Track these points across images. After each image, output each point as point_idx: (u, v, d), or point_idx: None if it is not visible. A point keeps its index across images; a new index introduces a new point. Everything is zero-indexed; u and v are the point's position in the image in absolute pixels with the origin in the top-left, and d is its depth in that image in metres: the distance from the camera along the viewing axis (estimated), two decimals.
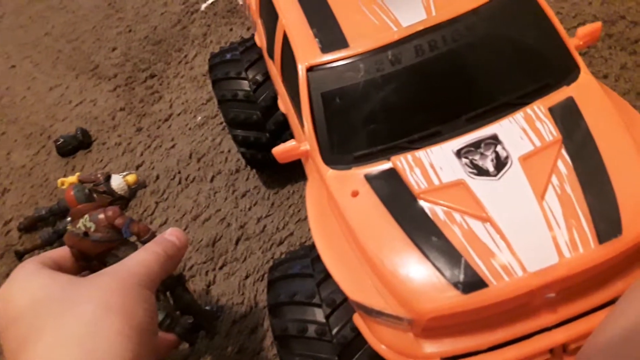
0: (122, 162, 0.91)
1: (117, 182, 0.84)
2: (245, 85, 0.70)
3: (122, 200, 0.85)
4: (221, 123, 0.89)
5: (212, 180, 0.82)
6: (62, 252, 0.49)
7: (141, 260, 0.44)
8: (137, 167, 0.90)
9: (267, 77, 0.68)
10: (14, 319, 0.41)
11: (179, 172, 0.86)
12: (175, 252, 0.46)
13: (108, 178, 0.84)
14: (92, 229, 0.53)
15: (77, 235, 0.52)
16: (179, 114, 0.94)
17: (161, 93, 0.99)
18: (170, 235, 0.48)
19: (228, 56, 0.73)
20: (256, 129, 0.69)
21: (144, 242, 0.54)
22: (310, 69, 0.47)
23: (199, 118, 0.92)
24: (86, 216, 0.54)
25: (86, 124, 0.98)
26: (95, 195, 0.64)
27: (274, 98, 0.66)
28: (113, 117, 0.98)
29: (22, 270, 0.45)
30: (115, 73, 1.05)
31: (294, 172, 0.77)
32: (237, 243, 0.74)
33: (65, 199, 0.57)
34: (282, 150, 0.47)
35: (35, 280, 0.44)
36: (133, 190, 0.85)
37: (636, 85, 0.74)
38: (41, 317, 0.40)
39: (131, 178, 0.84)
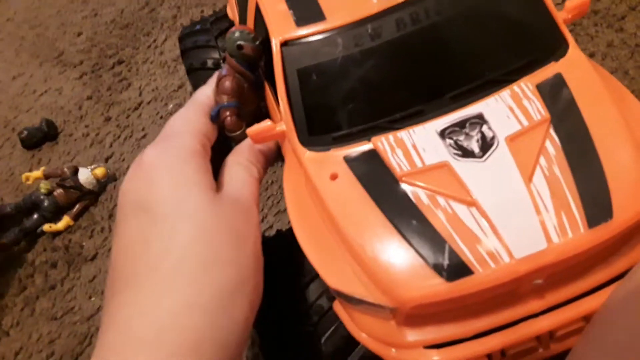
0: (91, 154, 0.89)
1: (85, 175, 0.82)
2: (215, 53, 0.68)
3: (91, 195, 0.83)
4: None
5: None
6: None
7: (253, 194, 0.44)
8: (107, 159, 0.88)
9: None
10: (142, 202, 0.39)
11: None
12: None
13: (75, 172, 0.82)
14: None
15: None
16: (149, 102, 0.92)
17: (130, 80, 0.97)
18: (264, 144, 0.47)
19: (198, 27, 0.72)
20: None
21: (233, 139, 0.50)
22: (284, 44, 0.46)
23: (171, 106, 0.90)
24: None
25: (52, 115, 0.96)
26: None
27: None
28: (80, 106, 0.96)
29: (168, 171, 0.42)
30: (81, 60, 1.03)
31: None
32: None
33: None
34: (256, 131, 0.45)
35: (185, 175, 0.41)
36: (102, 184, 0.83)
37: (623, 64, 0.74)
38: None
39: (100, 171, 0.82)
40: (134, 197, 0.41)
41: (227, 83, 0.48)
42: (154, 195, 0.40)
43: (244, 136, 0.49)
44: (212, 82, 0.50)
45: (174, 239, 0.38)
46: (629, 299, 0.36)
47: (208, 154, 0.45)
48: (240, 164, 0.46)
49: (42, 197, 0.81)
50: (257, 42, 0.48)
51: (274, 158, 0.48)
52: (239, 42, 0.48)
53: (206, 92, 0.50)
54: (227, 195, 0.42)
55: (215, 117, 0.48)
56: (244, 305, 0.38)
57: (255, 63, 0.50)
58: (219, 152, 0.47)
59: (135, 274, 0.37)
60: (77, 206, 0.82)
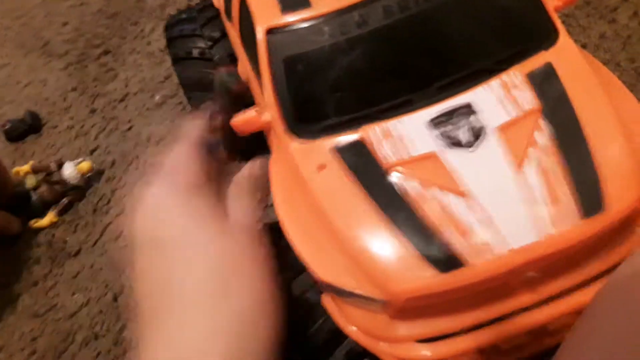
0: (76, 146, 0.87)
1: (69, 170, 0.80)
2: (201, 42, 0.68)
3: (77, 190, 0.82)
4: (180, 103, 0.86)
5: None
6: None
7: (259, 219, 0.42)
8: (92, 152, 0.86)
9: (224, 34, 0.66)
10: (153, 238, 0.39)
11: (137, 157, 0.83)
12: None
13: (61, 166, 0.81)
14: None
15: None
16: (135, 94, 0.91)
17: (116, 71, 0.95)
18: (261, 170, 0.45)
19: (184, 16, 0.72)
20: (213, 90, 0.67)
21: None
22: (270, 32, 0.45)
23: (157, 97, 0.89)
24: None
25: (36, 106, 0.94)
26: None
27: (232, 56, 0.64)
28: (64, 98, 0.94)
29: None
30: (67, 50, 1.01)
31: (262, 152, 0.74)
32: None
33: None
34: (241, 121, 0.45)
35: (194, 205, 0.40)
36: (87, 179, 0.82)
37: (615, 56, 0.73)
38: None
39: (85, 165, 0.81)
40: (147, 232, 0.42)
41: (219, 120, 0.49)
42: (168, 230, 0.41)
43: (238, 168, 0.49)
44: (199, 116, 0.50)
45: (190, 270, 0.39)
46: (617, 294, 0.36)
47: (212, 184, 0.45)
48: (242, 193, 0.46)
49: (29, 191, 0.80)
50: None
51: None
52: (227, 86, 0.48)
53: (196, 125, 0.50)
54: (236, 223, 0.43)
55: (213, 152, 0.49)
56: (268, 327, 0.39)
57: (246, 99, 0.50)
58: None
59: (161, 310, 0.38)
60: (62, 201, 0.81)
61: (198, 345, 0.36)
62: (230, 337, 0.36)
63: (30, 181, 0.80)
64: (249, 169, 0.47)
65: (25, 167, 0.82)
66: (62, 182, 0.81)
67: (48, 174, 0.81)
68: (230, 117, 0.48)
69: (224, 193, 0.47)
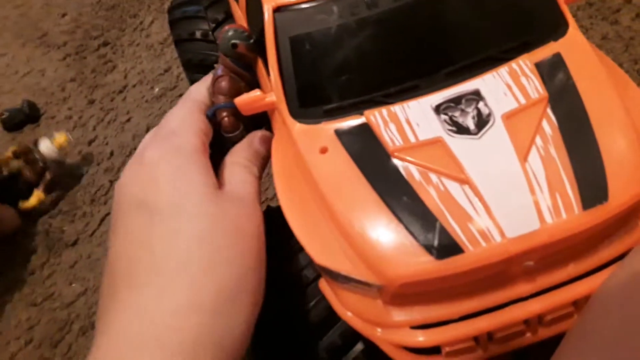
0: (73, 137, 0.87)
1: (45, 145, 0.80)
2: (204, 24, 0.67)
3: (57, 164, 0.81)
4: (180, 95, 0.85)
5: None
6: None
7: (255, 192, 0.43)
8: (90, 143, 0.87)
9: (228, 16, 0.66)
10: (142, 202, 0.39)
11: (135, 148, 0.82)
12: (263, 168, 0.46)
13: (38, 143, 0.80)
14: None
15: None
16: (134, 85, 0.91)
17: (115, 62, 0.95)
18: (262, 144, 0.47)
19: None
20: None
21: (230, 140, 0.50)
22: (277, 10, 0.45)
23: (157, 89, 0.89)
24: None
25: (34, 96, 0.94)
26: None
27: None
28: (63, 88, 0.94)
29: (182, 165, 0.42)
30: (65, 41, 1.01)
31: (267, 125, 0.74)
32: None
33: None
34: (245, 101, 0.44)
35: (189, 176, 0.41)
36: (65, 153, 0.81)
37: (618, 57, 0.74)
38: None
39: (60, 138, 0.80)
40: (134, 194, 0.41)
41: (224, 83, 0.48)
42: (156, 195, 0.40)
43: (241, 136, 0.49)
44: (206, 80, 0.50)
45: (176, 240, 0.38)
46: (624, 289, 0.36)
47: (207, 152, 0.45)
48: (240, 164, 0.46)
49: (13, 176, 0.80)
50: (252, 40, 0.48)
51: (268, 159, 0.48)
52: (233, 41, 0.48)
53: (201, 89, 0.50)
54: (229, 193, 0.43)
55: (212, 117, 0.48)
56: (245, 306, 0.39)
57: (251, 62, 0.50)
58: (216, 151, 0.47)
59: (137, 275, 0.38)
60: (45, 177, 0.80)
61: (173, 319, 0.35)
62: (204, 313, 0.36)
63: (13, 165, 0.80)
64: (248, 140, 0.47)
65: (7, 153, 0.82)
66: (42, 158, 0.80)
67: (27, 155, 0.81)
68: (235, 79, 0.47)
69: (222, 161, 0.46)
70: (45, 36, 1.03)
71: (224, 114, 0.48)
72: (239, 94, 0.46)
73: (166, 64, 0.91)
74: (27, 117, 0.91)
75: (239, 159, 0.46)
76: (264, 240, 0.42)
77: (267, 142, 0.48)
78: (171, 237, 0.38)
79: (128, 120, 0.87)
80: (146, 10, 1.02)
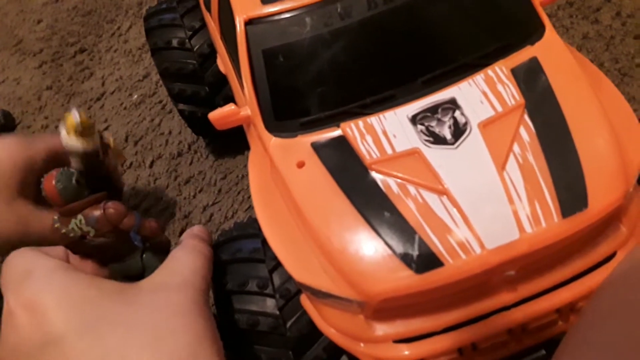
0: None
1: None
2: (180, 32, 0.67)
3: None
4: (160, 102, 0.85)
5: (151, 165, 0.78)
6: (58, 251, 0.43)
7: (197, 269, 0.42)
8: None
9: (204, 23, 0.66)
10: (45, 342, 0.34)
11: None
12: (210, 253, 0.45)
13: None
14: (92, 234, 0.46)
15: (72, 237, 0.45)
16: (112, 93, 0.90)
17: (92, 69, 0.94)
18: (201, 232, 0.47)
19: (163, 6, 0.71)
20: (193, 81, 0.67)
21: (154, 245, 0.50)
22: (249, 22, 0.45)
23: (135, 96, 0.88)
24: (80, 217, 0.46)
25: (9, 106, 0.93)
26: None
27: (213, 46, 0.64)
28: (39, 97, 0.93)
29: (40, 268, 0.37)
30: (41, 48, 1.00)
31: (243, 153, 0.74)
32: (180, 235, 0.71)
33: (46, 193, 0.47)
34: (219, 116, 0.44)
35: (68, 286, 0.37)
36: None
37: (599, 56, 0.74)
38: (99, 347, 0.34)
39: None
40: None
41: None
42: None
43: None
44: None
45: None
46: (617, 289, 0.36)
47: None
48: (194, 251, 0.45)
49: None
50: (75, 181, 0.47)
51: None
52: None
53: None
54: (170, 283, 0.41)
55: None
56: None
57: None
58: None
59: None
60: None
61: None
62: None
63: None
64: (191, 233, 0.47)
65: None
66: None
67: None
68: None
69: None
70: (21, 43, 1.02)
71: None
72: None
73: (145, 70, 0.90)
74: (2, 127, 0.89)
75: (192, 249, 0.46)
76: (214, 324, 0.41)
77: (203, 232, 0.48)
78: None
79: (106, 128, 0.85)
80: (124, 15, 1.00)
